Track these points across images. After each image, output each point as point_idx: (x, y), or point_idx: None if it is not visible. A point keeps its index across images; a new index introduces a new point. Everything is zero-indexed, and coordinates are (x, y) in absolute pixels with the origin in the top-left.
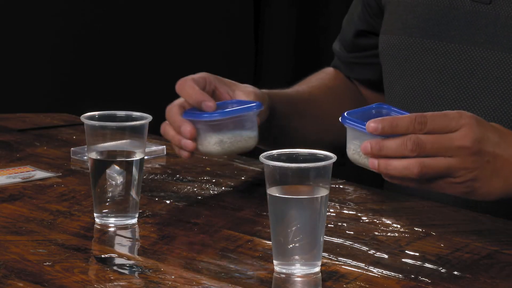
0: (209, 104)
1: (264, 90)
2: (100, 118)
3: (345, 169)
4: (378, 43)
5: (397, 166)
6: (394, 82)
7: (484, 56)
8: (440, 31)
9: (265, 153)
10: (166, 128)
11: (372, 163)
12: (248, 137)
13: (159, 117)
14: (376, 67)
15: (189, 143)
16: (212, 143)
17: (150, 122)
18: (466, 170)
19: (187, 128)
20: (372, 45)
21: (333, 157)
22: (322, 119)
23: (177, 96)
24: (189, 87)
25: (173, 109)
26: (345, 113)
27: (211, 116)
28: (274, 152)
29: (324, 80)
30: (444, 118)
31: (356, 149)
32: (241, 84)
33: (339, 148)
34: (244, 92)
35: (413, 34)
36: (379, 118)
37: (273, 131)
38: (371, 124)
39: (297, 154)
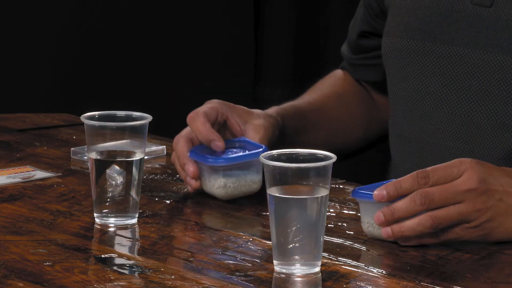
0: (218, 144)
1: (273, 112)
2: (100, 118)
3: (345, 169)
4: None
5: (410, 225)
6: (397, 85)
7: (485, 58)
8: (442, 34)
9: (265, 153)
10: (174, 159)
11: (386, 232)
12: (252, 181)
13: (159, 117)
14: (380, 69)
15: (192, 182)
16: (216, 186)
17: (150, 122)
18: (479, 212)
19: (190, 168)
20: (374, 46)
21: (333, 157)
22: (334, 129)
23: (177, 97)
24: (200, 123)
25: (180, 142)
26: (357, 188)
27: (216, 161)
28: (274, 152)
29: (335, 87)
30: (445, 168)
31: (370, 222)
32: (253, 113)
33: (347, 154)
34: (254, 127)
35: (415, 37)
36: (383, 185)
37: (285, 143)
38: (376, 193)
39: (297, 154)
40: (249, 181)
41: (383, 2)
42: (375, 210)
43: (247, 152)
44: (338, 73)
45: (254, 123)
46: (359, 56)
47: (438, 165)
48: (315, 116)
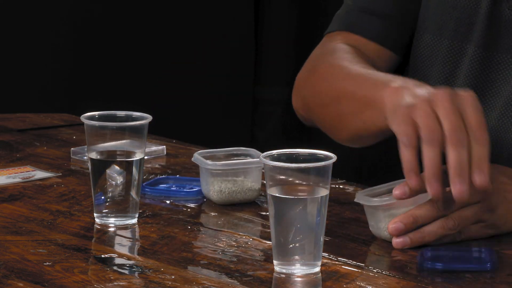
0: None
1: None
2: (100, 118)
3: (345, 169)
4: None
5: (432, 229)
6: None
7: None
8: (478, 37)
9: (265, 153)
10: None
11: (404, 242)
12: (248, 189)
13: (159, 117)
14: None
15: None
16: (212, 190)
17: (150, 122)
18: (492, 211)
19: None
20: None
21: (333, 157)
22: None
23: (177, 97)
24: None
25: None
26: (360, 192)
27: (214, 165)
28: (274, 152)
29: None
30: None
31: (375, 225)
32: None
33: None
34: None
35: (450, 37)
36: (402, 183)
37: None
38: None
39: (297, 154)
40: (246, 188)
41: None
42: (379, 213)
43: (248, 159)
44: (344, 48)
45: None
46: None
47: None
48: None
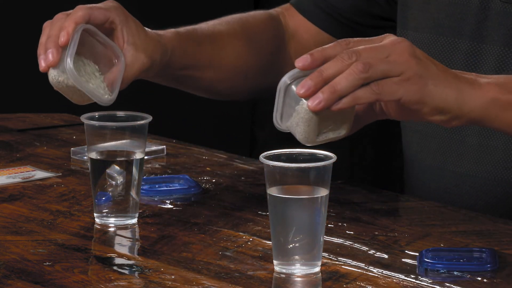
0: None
1: (168, 41)
2: (100, 118)
3: (345, 169)
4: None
5: (342, 78)
6: None
7: None
8: (471, 31)
9: (265, 153)
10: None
11: (316, 98)
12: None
13: (159, 117)
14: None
15: (45, 62)
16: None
17: (150, 122)
18: (407, 63)
19: (55, 52)
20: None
21: (333, 157)
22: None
23: (177, 97)
24: (72, 20)
25: (81, 11)
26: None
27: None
28: (274, 152)
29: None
30: (368, 39)
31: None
32: (143, 36)
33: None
34: (134, 56)
35: (444, 33)
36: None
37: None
38: (298, 59)
39: (297, 154)
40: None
41: None
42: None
43: None
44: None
45: (136, 51)
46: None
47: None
48: (207, 55)
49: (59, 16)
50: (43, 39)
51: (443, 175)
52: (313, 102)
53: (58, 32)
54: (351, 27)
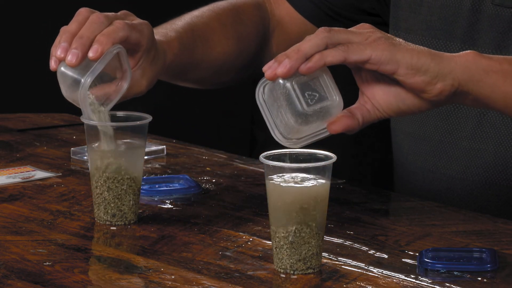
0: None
1: (173, 52)
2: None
3: (345, 169)
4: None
5: (306, 40)
6: None
7: None
8: (463, 34)
9: (265, 153)
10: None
11: (282, 64)
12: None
13: (159, 117)
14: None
15: (55, 62)
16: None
17: (150, 122)
18: (372, 30)
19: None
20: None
21: (333, 157)
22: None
23: (177, 97)
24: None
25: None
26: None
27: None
28: (274, 152)
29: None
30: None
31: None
32: (153, 54)
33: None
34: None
35: (437, 36)
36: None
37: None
38: (267, 68)
39: (297, 154)
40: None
41: None
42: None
43: None
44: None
45: (141, 77)
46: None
47: None
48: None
49: (99, 17)
50: (73, 27)
51: (434, 178)
52: (283, 69)
53: (91, 38)
54: (338, 20)
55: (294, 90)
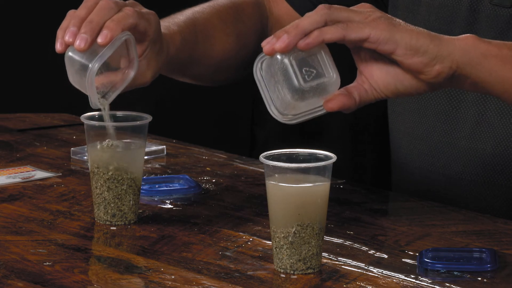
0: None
1: (175, 43)
2: (100, 118)
3: (345, 169)
4: None
5: (305, 18)
6: None
7: None
8: (461, 34)
9: (265, 153)
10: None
11: (281, 40)
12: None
13: (159, 117)
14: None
15: (63, 45)
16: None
17: (150, 122)
18: (371, 10)
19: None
20: None
21: (333, 157)
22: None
23: (177, 97)
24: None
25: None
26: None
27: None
28: (274, 152)
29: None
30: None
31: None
32: (158, 43)
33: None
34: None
35: None
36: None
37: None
38: (266, 45)
39: (297, 154)
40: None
41: None
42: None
43: None
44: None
45: (146, 68)
46: None
47: None
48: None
49: (109, 3)
50: (82, 12)
51: (432, 177)
52: (281, 44)
53: (100, 24)
54: None
55: (292, 66)
